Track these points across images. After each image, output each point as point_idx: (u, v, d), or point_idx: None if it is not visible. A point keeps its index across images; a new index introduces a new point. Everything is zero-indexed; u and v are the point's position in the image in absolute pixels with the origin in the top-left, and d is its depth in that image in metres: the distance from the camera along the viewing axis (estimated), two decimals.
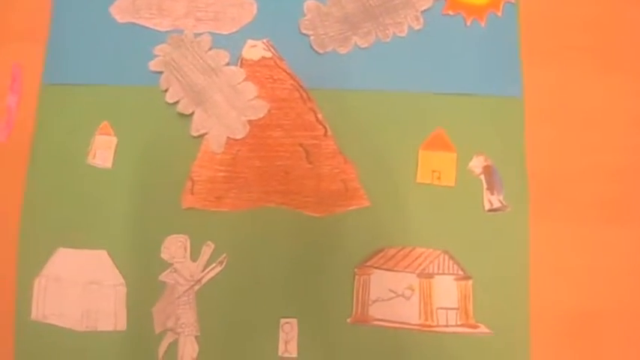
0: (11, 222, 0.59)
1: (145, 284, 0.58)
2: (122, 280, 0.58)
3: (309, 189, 0.60)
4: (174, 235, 0.58)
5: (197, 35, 0.62)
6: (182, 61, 0.61)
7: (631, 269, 0.61)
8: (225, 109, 0.60)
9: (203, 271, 0.58)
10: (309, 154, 0.60)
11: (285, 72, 0.62)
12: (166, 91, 0.61)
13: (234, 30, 0.63)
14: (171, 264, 0.58)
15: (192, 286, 0.57)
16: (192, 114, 0.60)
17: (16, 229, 0.59)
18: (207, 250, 0.58)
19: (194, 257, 0.58)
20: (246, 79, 0.61)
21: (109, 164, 0.60)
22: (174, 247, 0.58)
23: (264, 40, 0.62)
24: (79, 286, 0.59)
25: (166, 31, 0.63)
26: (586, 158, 0.63)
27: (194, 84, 0.60)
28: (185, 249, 0.58)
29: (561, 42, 0.66)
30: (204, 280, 0.58)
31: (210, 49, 0.61)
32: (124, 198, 0.60)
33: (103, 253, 0.59)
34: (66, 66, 0.62)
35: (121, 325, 0.58)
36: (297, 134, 0.61)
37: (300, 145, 0.61)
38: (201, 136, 0.60)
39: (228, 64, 0.61)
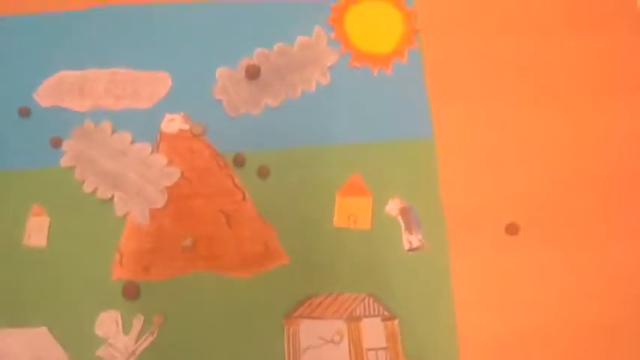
0: None
1: (86, 359, 0.61)
2: (65, 356, 0.61)
3: (232, 252, 0.63)
4: (106, 312, 0.61)
5: (117, 113, 0.66)
6: (90, 151, 0.64)
7: (549, 291, 0.64)
8: (142, 184, 0.63)
9: (136, 342, 0.61)
10: (229, 219, 0.63)
11: (202, 142, 0.65)
12: (83, 182, 0.64)
13: (152, 104, 0.66)
14: (106, 339, 0.61)
15: (128, 358, 0.60)
16: (112, 197, 0.64)
17: None
18: (137, 322, 0.61)
19: (127, 329, 0.61)
20: (154, 152, 0.65)
21: (43, 243, 0.64)
22: (107, 324, 0.61)
23: (182, 114, 0.66)
24: None
25: (88, 111, 0.66)
26: (499, 188, 0.66)
27: (107, 170, 0.64)
28: (117, 324, 0.61)
29: (467, 79, 0.69)
30: (138, 352, 0.60)
31: (112, 133, 0.65)
32: (59, 274, 0.63)
33: (43, 330, 0.62)
34: None
35: None
36: (217, 200, 0.64)
37: (221, 210, 0.64)
38: (126, 214, 0.64)
39: (132, 142, 0.65)
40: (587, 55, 0.70)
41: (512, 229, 0.65)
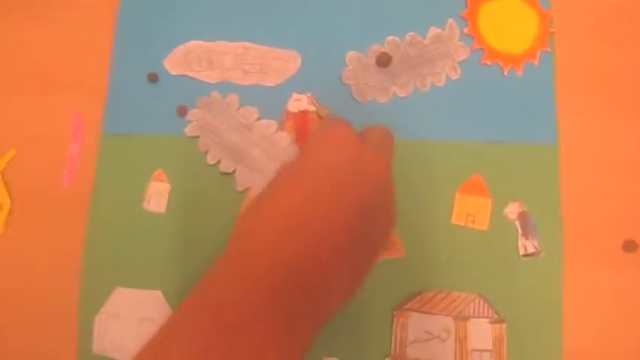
0: (74, 263, 0.64)
1: None
2: None
3: None
4: None
5: (244, 87, 0.66)
6: (215, 122, 0.64)
7: None
8: (265, 161, 0.63)
9: None
10: None
11: None
12: (206, 153, 0.65)
13: (279, 82, 0.66)
14: None
15: None
16: (234, 171, 0.64)
17: (78, 270, 0.64)
18: None
19: None
20: (278, 130, 0.65)
21: (162, 209, 0.65)
22: None
23: (309, 94, 0.66)
24: (135, 323, 0.63)
25: (216, 83, 0.67)
26: (621, 204, 0.65)
27: (231, 143, 0.64)
28: None
29: (598, 88, 0.67)
30: None
31: (239, 107, 0.65)
32: (176, 242, 0.64)
33: (157, 293, 0.63)
34: (124, 116, 0.67)
35: None
36: None
37: None
38: (247, 190, 0.64)
39: (258, 118, 0.65)
40: None
41: (630, 247, 0.64)
